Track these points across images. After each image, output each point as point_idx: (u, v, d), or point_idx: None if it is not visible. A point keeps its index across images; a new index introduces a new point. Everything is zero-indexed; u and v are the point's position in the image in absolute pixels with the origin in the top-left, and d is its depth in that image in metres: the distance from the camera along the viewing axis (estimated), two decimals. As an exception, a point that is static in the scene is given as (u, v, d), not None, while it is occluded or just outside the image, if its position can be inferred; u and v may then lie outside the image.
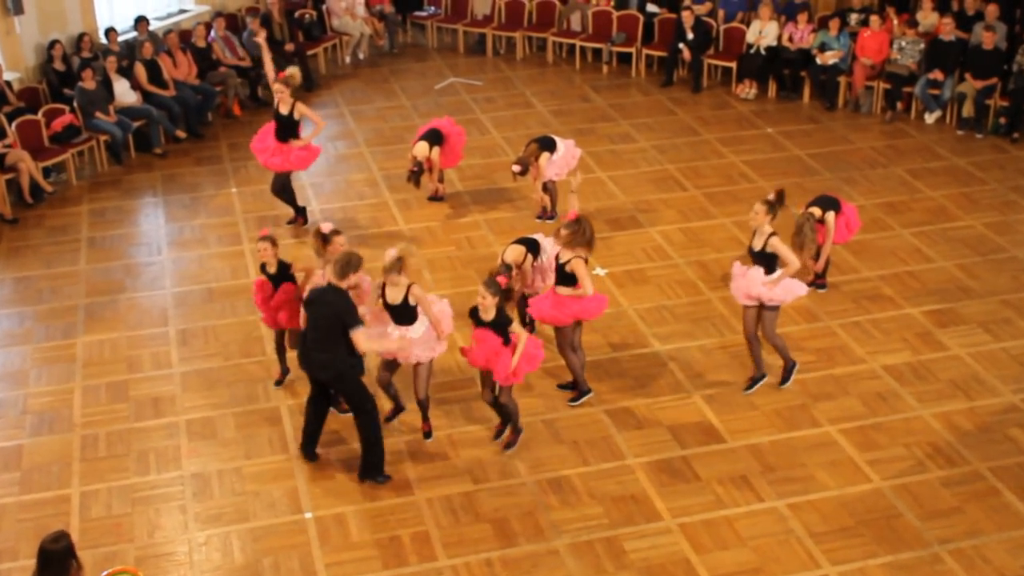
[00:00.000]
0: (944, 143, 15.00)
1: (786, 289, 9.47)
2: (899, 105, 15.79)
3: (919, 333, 10.74)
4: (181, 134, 15.26)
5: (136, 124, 14.72)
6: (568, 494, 8.70)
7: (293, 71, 12.12)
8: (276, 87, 11.97)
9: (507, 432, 9.23)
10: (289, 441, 9.28)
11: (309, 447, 9.04)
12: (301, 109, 12.06)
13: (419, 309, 8.84)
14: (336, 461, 9.04)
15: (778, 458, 9.06)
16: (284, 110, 12.02)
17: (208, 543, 8.27)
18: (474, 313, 8.75)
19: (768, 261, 9.39)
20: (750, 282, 9.51)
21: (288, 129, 12.14)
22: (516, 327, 8.76)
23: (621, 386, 9.98)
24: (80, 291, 11.68)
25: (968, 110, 15.15)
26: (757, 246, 9.40)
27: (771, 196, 9.43)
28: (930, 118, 15.56)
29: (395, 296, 8.75)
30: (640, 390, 9.93)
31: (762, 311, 9.55)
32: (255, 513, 8.55)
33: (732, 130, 15.55)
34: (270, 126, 12.30)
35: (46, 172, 13.84)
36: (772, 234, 9.30)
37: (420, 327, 8.88)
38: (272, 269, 9.52)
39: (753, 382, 9.91)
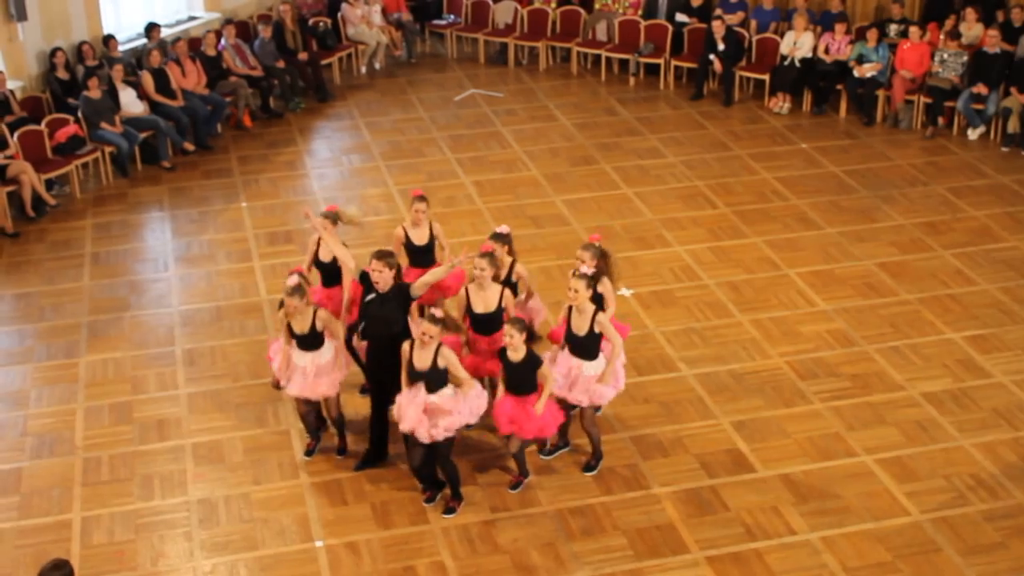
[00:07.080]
0: (988, 160, 15.02)
1: (616, 376, 9.00)
2: (940, 120, 15.82)
3: (960, 359, 10.75)
4: (189, 146, 15.41)
5: (143, 135, 14.87)
6: (591, 524, 8.73)
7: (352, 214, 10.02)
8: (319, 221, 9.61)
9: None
10: (299, 466, 9.36)
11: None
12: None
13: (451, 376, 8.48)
14: (348, 486, 9.10)
15: (811, 489, 9.08)
16: (328, 256, 9.93)
17: (214, 572, 8.34)
18: (503, 353, 8.67)
19: (594, 345, 8.83)
20: (583, 383, 8.87)
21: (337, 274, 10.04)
22: (545, 369, 8.67)
23: (647, 412, 10.03)
24: (83, 308, 11.80)
25: (1014, 126, 15.17)
26: (582, 329, 8.75)
27: (586, 268, 8.76)
28: (973, 134, 15.58)
29: (423, 360, 8.42)
30: (667, 416, 9.97)
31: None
32: (264, 541, 8.61)
33: (765, 145, 15.61)
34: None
35: (49, 184, 13.99)
36: (597, 310, 8.74)
37: (448, 397, 8.49)
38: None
39: (555, 448, 9.49)
